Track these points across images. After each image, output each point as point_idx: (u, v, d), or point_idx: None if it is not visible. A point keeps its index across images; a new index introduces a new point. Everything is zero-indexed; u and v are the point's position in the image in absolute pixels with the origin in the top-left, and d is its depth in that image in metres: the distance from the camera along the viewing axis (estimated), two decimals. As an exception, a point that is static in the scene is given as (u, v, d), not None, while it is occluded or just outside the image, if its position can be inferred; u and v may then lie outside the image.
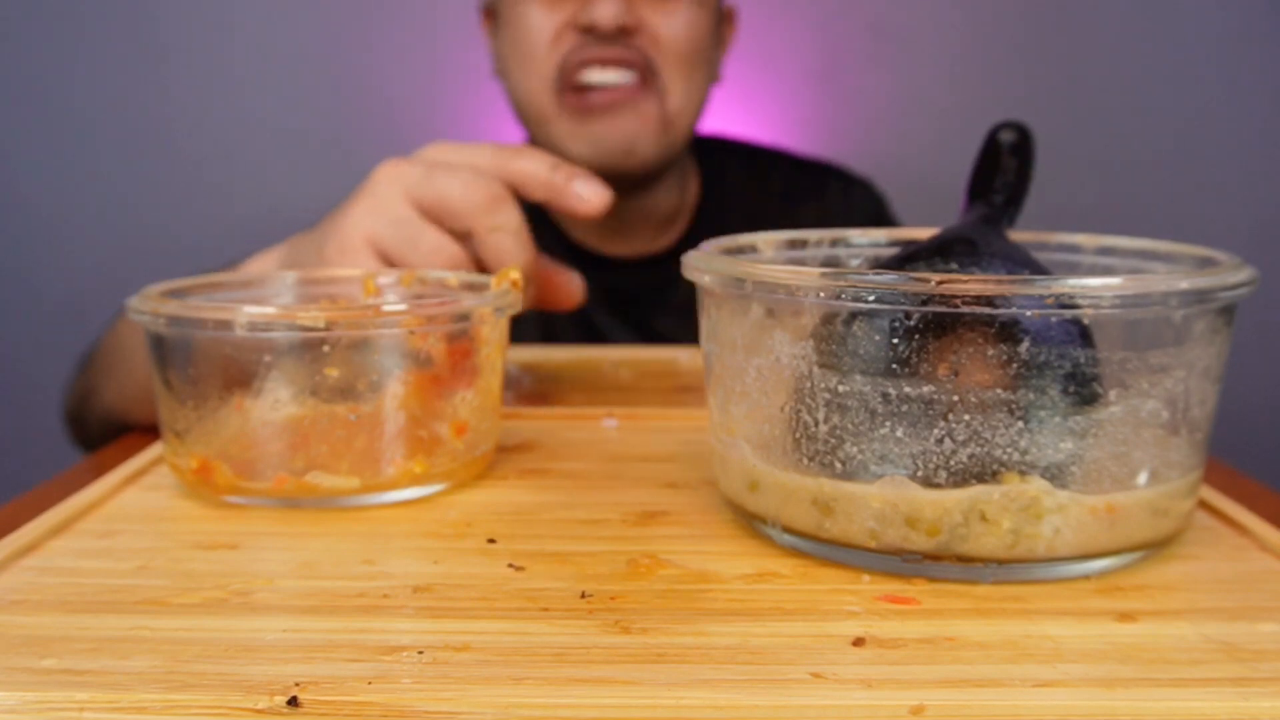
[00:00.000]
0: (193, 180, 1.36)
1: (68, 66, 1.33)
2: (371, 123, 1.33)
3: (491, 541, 0.36)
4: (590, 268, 0.86)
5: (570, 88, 0.78)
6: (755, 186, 0.95)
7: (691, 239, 0.87)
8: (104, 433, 0.64)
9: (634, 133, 0.79)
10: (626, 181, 0.82)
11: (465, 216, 0.50)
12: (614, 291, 0.88)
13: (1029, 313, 0.29)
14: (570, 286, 0.54)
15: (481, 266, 0.52)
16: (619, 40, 0.77)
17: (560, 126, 0.80)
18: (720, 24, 0.86)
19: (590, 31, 0.76)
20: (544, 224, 0.88)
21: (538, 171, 0.52)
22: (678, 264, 0.38)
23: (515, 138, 0.99)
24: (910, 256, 0.39)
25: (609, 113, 0.78)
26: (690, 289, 0.37)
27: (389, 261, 0.51)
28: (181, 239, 1.32)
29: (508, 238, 0.50)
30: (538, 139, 0.83)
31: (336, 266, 0.51)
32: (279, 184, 1.33)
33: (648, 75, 0.78)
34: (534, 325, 0.85)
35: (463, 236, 0.51)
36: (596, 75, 0.78)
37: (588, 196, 0.52)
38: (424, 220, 0.51)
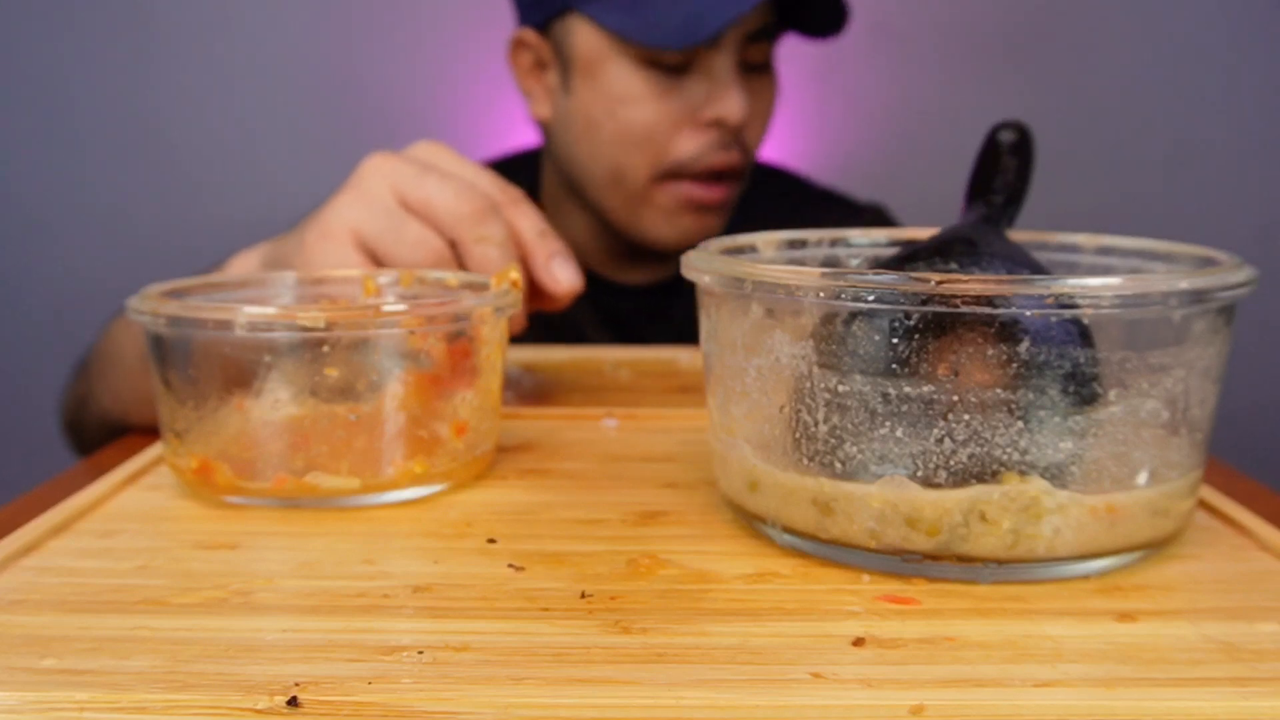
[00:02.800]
0: (190, 183, 1.36)
1: (62, 67, 1.33)
2: (369, 125, 1.33)
3: (491, 541, 0.36)
4: (596, 292, 0.85)
5: (669, 179, 0.77)
6: (770, 211, 0.92)
7: None
8: (102, 438, 0.63)
9: (712, 227, 0.80)
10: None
11: (450, 225, 0.50)
12: (615, 315, 0.87)
13: (1029, 313, 0.29)
14: (558, 288, 0.53)
15: None
16: (736, 135, 0.77)
17: (652, 209, 0.79)
18: None
19: (717, 126, 0.76)
20: None
21: (525, 230, 0.52)
22: (679, 288, 0.38)
23: (512, 143, 0.98)
24: (910, 256, 0.39)
25: (703, 210, 0.78)
26: (689, 308, 0.37)
27: (371, 253, 0.50)
28: (179, 241, 1.32)
29: (493, 249, 0.50)
30: (608, 204, 0.81)
31: (316, 255, 0.50)
32: (276, 186, 1.33)
33: (744, 169, 0.78)
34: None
35: (448, 243, 0.51)
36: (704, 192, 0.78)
37: (561, 279, 0.52)
38: (409, 214, 0.50)
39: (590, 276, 0.86)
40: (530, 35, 0.83)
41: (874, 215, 0.95)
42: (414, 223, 0.50)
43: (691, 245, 0.77)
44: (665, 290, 0.87)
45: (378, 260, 0.50)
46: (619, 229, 0.82)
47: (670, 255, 0.80)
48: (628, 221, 0.80)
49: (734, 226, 0.91)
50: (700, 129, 0.76)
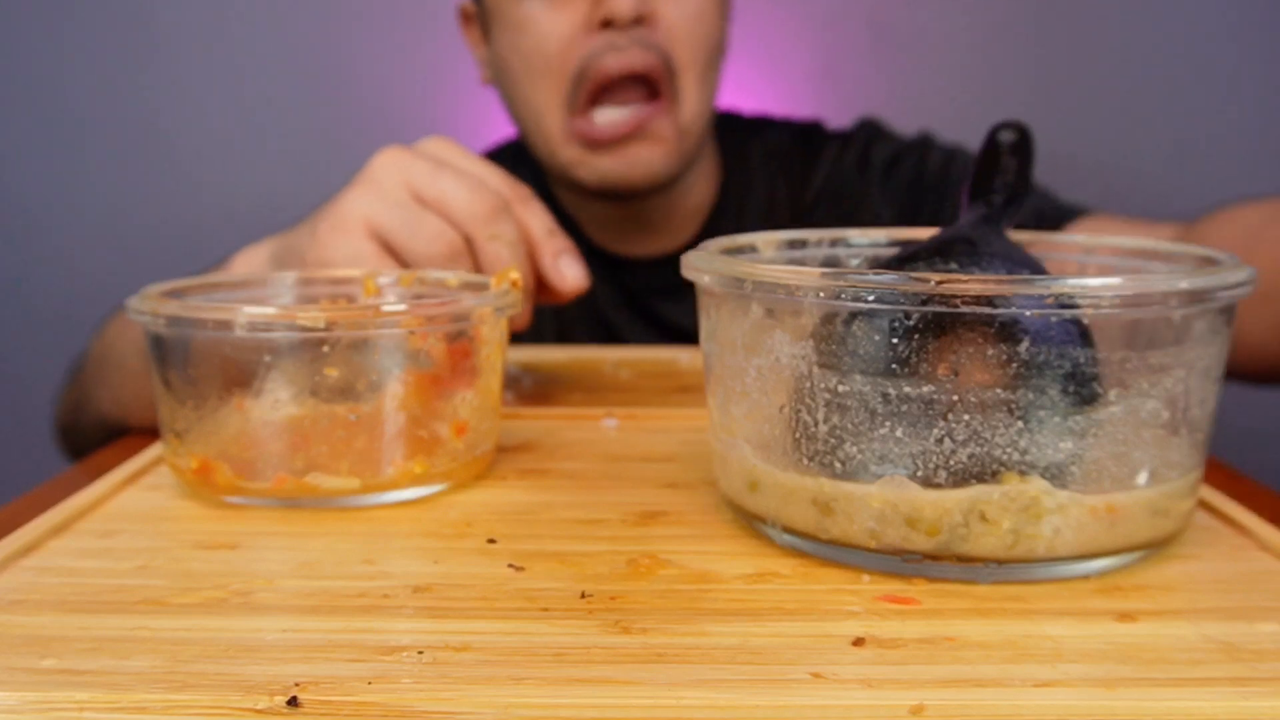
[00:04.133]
0: (189, 182, 1.35)
1: (62, 67, 1.33)
2: (368, 122, 1.33)
3: (491, 541, 0.36)
4: (608, 268, 0.85)
5: (582, 106, 0.74)
6: (776, 164, 0.89)
7: (711, 232, 0.83)
8: (98, 442, 0.63)
9: (645, 159, 0.75)
10: (641, 192, 0.78)
11: (465, 222, 0.50)
12: (630, 291, 0.85)
13: (1029, 313, 0.29)
14: (564, 285, 0.53)
15: (477, 271, 0.52)
16: (637, 35, 0.72)
17: (568, 153, 0.76)
18: None
19: (608, 25, 0.71)
20: (561, 224, 0.86)
21: (534, 228, 0.53)
22: None
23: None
24: (910, 256, 0.39)
25: (617, 145, 0.74)
26: None
27: (386, 246, 0.50)
28: (179, 241, 1.32)
29: (505, 248, 0.51)
30: (542, 156, 0.79)
31: (330, 248, 0.50)
32: (276, 186, 1.33)
33: (665, 80, 0.73)
34: (549, 325, 0.84)
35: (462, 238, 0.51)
36: (606, 115, 0.73)
37: (569, 276, 0.53)
38: (424, 208, 0.51)
39: (602, 254, 0.85)
40: (470, 5, 0.84)
41: (867, 130, 0.89)
42: (430, 216, 0.50)
43: (632, 184, 0.76)
44: (677, 263, 0.85)
45: (393, 253, 0.51)
46: (566, 179, 0.79)
47: (634, 195, 0.78)
48: (566, 163, 0.77)
49: (753, 177, 0.87)
50: (592, 34, 0.72)
